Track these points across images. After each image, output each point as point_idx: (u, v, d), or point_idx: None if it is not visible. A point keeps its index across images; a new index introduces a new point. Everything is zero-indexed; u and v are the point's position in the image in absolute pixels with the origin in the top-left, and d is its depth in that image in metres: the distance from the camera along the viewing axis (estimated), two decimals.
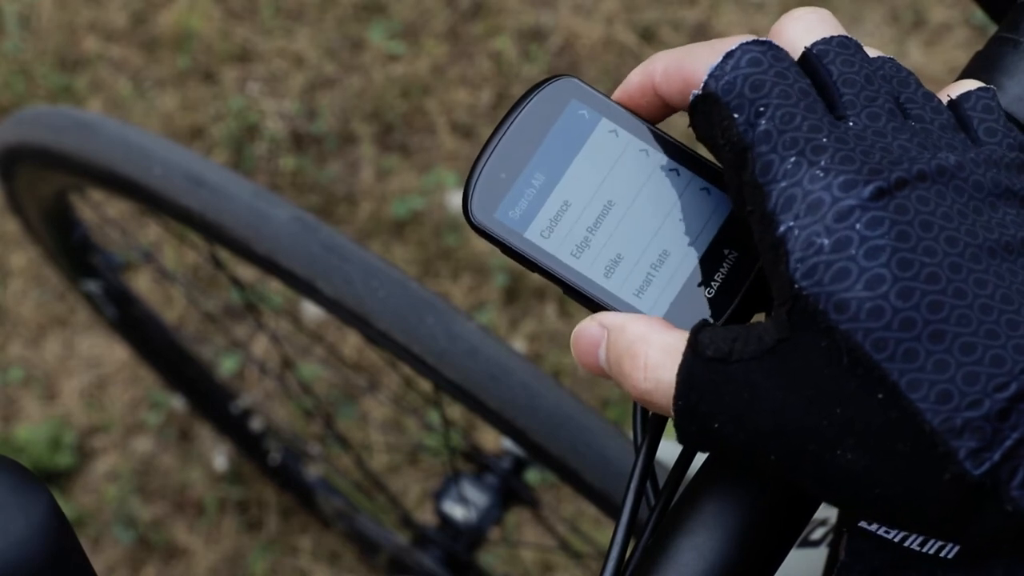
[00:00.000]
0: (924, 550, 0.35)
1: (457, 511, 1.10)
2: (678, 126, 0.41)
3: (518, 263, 0.41)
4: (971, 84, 0.39)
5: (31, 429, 1.47)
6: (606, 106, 0.41)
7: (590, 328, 0.39)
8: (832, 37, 0.38)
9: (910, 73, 0.39)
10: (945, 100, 0.39)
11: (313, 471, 1.39)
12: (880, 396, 0.33)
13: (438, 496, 1.12)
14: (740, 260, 0.40)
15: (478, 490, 1.10)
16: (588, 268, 0.40)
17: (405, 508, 1.34)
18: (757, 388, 0.35)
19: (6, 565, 0.33)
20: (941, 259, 0.34)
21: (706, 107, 0.38)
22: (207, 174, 0.84)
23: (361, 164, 1.65)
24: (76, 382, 1.52)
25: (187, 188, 0.83)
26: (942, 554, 0.35)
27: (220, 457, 1.49)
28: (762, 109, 0.36)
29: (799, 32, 0.39)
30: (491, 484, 1.11)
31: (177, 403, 1.50)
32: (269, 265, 0.81)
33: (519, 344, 1.53)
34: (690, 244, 0.40)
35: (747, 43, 0.38)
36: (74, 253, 1.14)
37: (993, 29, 0.46)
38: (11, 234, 1.58)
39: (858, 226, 0.34)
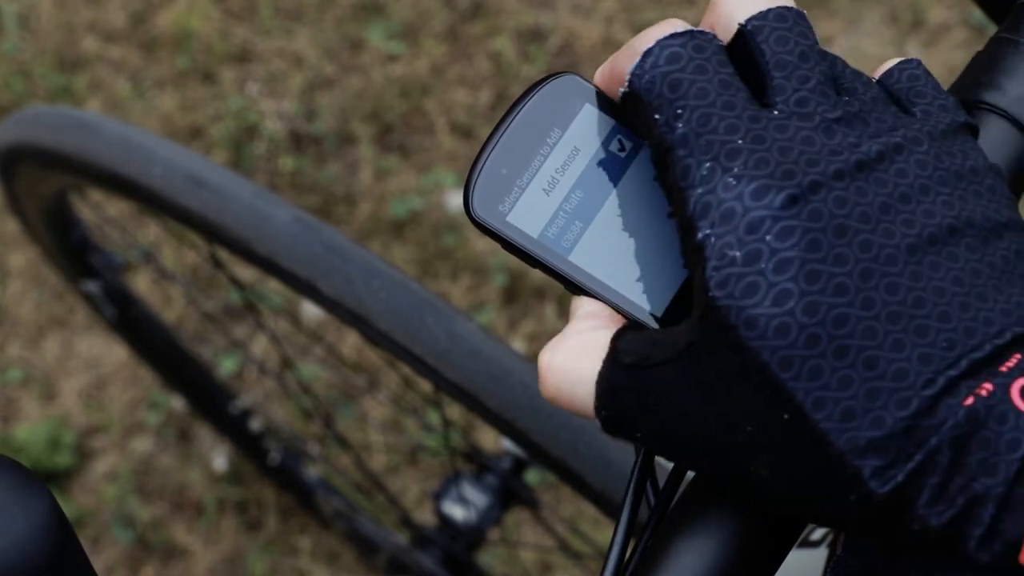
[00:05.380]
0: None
1: (457, 511, 1.10)
2: None
3: (518, 258, 0.41)
4: (892, 61, 0.38)
5: (30, 429, 1.47)
6: (607, 103, 0.42)
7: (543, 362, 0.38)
8: (769, 10, 0.36)
9: (836, 56, 0.38)
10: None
11: (313, 471, 1.39)
12: (786, 416, 0.33)
13: (438, 496, 1.12)
14: None
15: (478, 490, 1.10)
16: (589, 264, 0.40)
17: (405, 508, 1.34)
18: (672, 395, 0.35)
19: (6, 565, 0.33)
20: (852, 267, 0.33)
21: (632, 106, 0.37)
22: (207, 174, 0.84)
23: (360, 164, 1.65)
24: (75, 382, 1.52)
25: (187, 188, 0.83)
26: None
27: (220, 457, 1.49)
28: (680, 111, 0.35)
29: (734, 7, 0.37)
30: (491, 484, 1.11)
31: (177, 403, 1.50)
32: (270, 266, 0.81)
33: (518, 344, 1.53)
34: None
35: (666, 38, 0.36)
36: (74, 253, 1.14)
37: (992, 30, 0.46)
38: (11, 234, 1.58)
39: (768, 237, 0.33)
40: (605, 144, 0.41)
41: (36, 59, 1.71)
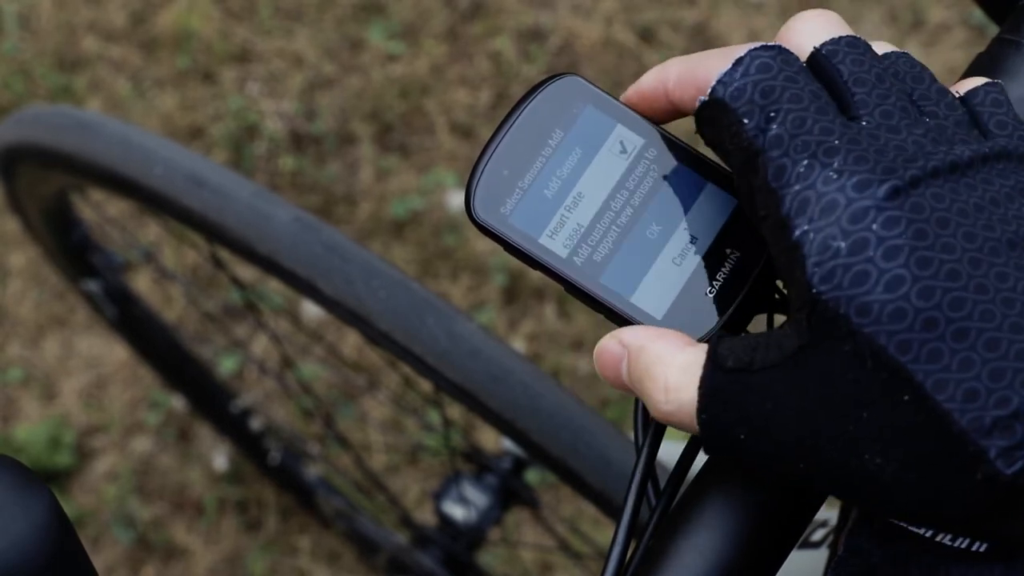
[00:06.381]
0: (955, 544, 0.35)
1: (457, 511, 1.10)
2: (679, 125, 0.41)
3: (519, 260, 0.41)
4: (978, 80, 0.39)
5: (30, 429, 1.47)
6: (609, 105, 0.42)
7: (611, 346, 0.39)
8: (840, 37, 0.38)
9: (924, 68, 0.39)
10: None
11: (313, 471, 1.39)
12: (906, 398, 0.33)
13: (438, 496, 1.12)
14: (742, 260, 0.40)
15: (478, 490, 1.10)
16: (589, 266, 0.40)
17: (405, 508, 1.34)
18: (780, 396, 0.35)
19: (6, 565, 0.33)
20: (960, 255, 0.34)
21: (714, 113, 0.38)
22: (208, 174, 0.84)
23: (360, 164, 1.65)
24: (75, 382, 1.52)
25: (188, 188, 0.83)
26: (972, 548, 0.35)
27: (220, 457, 1.49)
28: (773, 114, 0.36)
29: (806, 34, 0.38)
30: (491, 484, 1.11)
31: (177, 403, 1.50)
32: (270, 265, 0.81)
33: (518, 344, 1.53)
34: (692, 243, 0.40)
35: (757, 48, 0.37)
36: (74, 253, 1.14)
37: (993, 30, 0.46)
38: (11, 234, 1.58)
39: (875, 227, 0.34)
40: (607, 146, 0.41)
41: (36, 59, 1.70)
